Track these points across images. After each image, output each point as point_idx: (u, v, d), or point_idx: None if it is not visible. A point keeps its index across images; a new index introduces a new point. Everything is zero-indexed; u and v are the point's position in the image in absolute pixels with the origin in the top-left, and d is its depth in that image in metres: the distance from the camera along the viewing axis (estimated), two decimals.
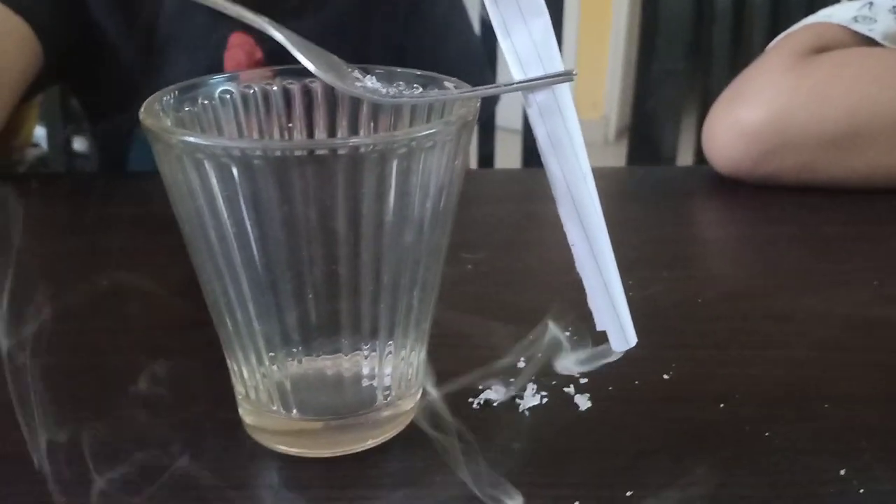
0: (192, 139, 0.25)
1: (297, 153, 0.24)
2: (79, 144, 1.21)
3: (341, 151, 0.25)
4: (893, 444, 0.32)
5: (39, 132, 1.06)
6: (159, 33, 0.70)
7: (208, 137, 0.27)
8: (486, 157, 1.03)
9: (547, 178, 0.28)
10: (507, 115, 0.96)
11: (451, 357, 0.37)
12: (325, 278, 0.27)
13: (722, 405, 0.34)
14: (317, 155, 0.25)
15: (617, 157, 1.98)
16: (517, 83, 0.27)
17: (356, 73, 0.29)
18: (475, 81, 0.30)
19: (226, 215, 0.26)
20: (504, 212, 0.56)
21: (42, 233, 0.53)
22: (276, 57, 0.32)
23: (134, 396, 0.35)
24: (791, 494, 0.29)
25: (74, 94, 0.79)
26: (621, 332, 0.29)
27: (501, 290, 0.44)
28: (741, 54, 1.04)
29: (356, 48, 0.72)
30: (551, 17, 0.27)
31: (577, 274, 0.29)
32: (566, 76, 0.27)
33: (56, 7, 0.65)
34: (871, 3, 0.63)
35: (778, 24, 1.01)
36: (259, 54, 0.69)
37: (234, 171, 0.24)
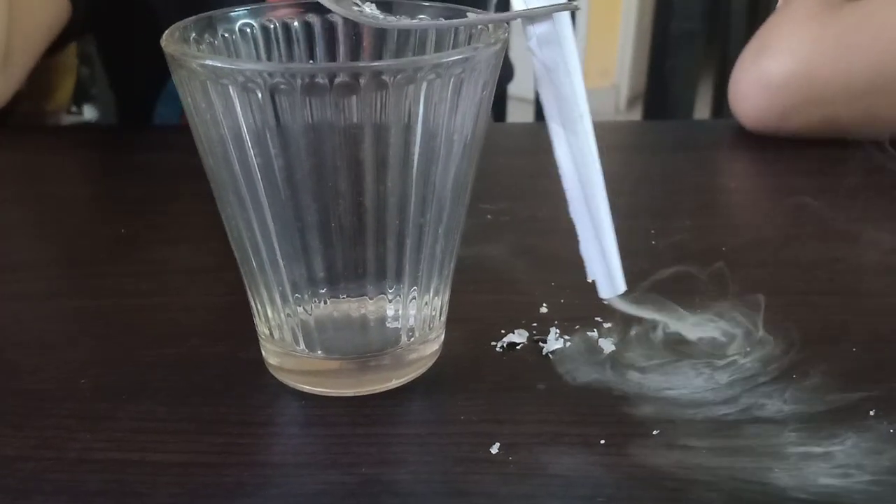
0: (216, 63, 0.24)
1: (322, 78, 0.24)
2: (88, 113, 1.20)
3: (365, 76, 0.24)
4: None
5: None
6: None
7: (233, 61, 0.26)
8: None
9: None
10: (519, 84, 0.95)
11: (474, 302, 0.37)
12: (350, 212, 0.27)
13: (748, 349, 0.34)
14: (342, 80, 0.24)
15: None
16: (519, 11, 0.27)
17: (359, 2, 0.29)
18: None
19: (250, 144, 0.25)
20: (520, 163, 0.55)
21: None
22: None
23: (155, 339, 0.34)
24: (823, 429, 0.29)
25: (100, 48, 0.77)
26: (609, 279, 0.29)
27: (522, 238, 0.43)
28: (759, 15, 1.02)
29: None
30: None
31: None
32: (569, 5, 0.27)
33: None
34: None
35: None
36: None
37: (259, 96, 0.24)
